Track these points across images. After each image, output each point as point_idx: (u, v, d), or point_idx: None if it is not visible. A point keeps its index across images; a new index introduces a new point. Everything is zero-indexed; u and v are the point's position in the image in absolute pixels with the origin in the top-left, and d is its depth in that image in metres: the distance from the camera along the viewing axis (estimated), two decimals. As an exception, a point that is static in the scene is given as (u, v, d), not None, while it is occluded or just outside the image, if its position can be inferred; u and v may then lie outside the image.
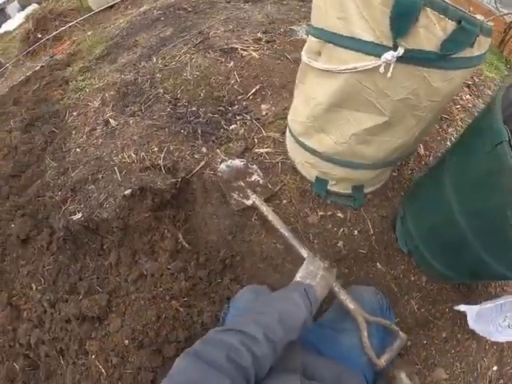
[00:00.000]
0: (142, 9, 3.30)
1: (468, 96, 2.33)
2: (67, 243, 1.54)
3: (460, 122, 2.09)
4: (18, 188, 1.87)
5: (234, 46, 2.06)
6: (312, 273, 0.96)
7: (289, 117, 1.45)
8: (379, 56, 0.84)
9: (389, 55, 0.82)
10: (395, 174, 1.64)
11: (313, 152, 1.33)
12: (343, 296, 1.00)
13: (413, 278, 1.47)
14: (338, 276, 1.03)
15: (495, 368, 1.43)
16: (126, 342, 1.19)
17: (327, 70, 1.00)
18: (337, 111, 1.10)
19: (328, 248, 1.38)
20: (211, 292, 1.25)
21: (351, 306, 0.98)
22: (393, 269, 1.45)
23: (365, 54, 0.88)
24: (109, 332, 1.25)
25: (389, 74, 0.86)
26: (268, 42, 2.11)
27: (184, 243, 1.30)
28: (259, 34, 2.17)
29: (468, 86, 2.41)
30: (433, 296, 1.45)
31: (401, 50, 0.81)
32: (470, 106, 2.26)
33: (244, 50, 2.03)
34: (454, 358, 1.41)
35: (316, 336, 0.96)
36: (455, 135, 1.99)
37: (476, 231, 0.98)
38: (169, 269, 1.26)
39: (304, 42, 2.16)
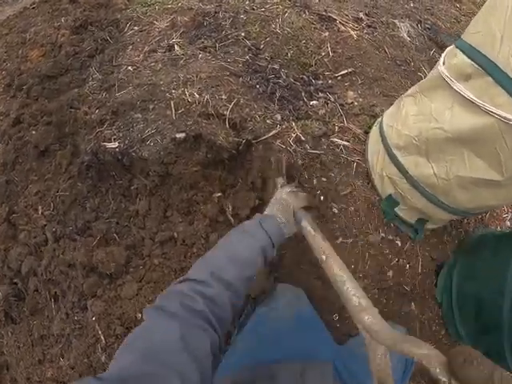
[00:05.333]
0: None
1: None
2: (90, 171, 1.33)
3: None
4: (51, 91, 1.64)
5: (332, 15, 1.81)
6: (272, 201, 0.90)
7: (385, 120, 1.24)
8: None
9: None
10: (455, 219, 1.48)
11: (402, 171, 1.15)
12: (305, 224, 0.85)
13: (434, 328, 1.38)
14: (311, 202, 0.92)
15: None
16: (139, 315, 1.00)
17: (471, 101, 0.85)
18: (457, 146, 0.96)
19: (377, 273, 1.21)
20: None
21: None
22: (423, 313, 1.36)
23: None
24: (119, 296, 1.06)
25: None
26: (369, 26, 1.86)
27: (229, 215, 1.10)
28: (361, 15, 1.91)
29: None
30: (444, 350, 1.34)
31: None
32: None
33: (343, 24, 1.78)
34: None
35: None
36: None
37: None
38: (205, 238, 1.07)
39: (405, 43, 1.96)
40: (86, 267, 1.09)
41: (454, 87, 0.90)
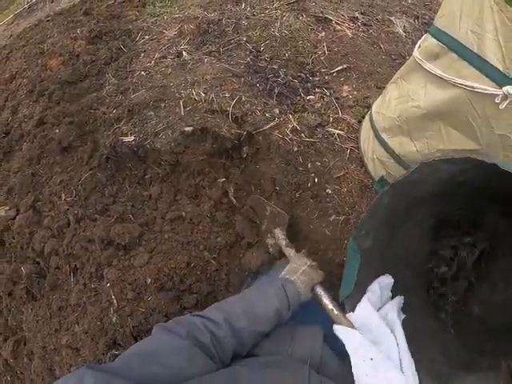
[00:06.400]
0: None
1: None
2: (109, 162, 1.48)
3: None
4: (72, 95, 1.81)
5: (328, 16, 1.93)
6: (294, 269, 0.95)
7: (374, 108, 1.35)
8: (500, 86, 0.79)
9: (511, 89, 0.76)
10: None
11: (390, 151, 1.24)
12: (326, 300, 0.91)
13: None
14: (326, 279, 0.97)
15: None
16: (149, 280, 1.14)
17: (440, 77, 0.93)
18: (433, 121, 1.03)
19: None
20: (246, 255, 1.20)
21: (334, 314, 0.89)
22: None
23: (487, 78, 0.82)
24: (132, 265, 1.20)
25: (502, 106, 0.81)
26: (364, 24, 1.97)
27: (232, 197, 1.23)
28: (357, 14, 2.02)
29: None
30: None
31: None
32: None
33: (338, 24, 1.90)
34: None
35: None
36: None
37: None
38: (209, 217, 1.20)
39: (401, 38, 2.06)
40: (104, 241, 1.24)
41: (425, 67, 0.98)
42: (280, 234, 1.15)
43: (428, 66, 0.98)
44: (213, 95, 1.45)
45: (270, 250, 1.18)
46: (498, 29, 0.77)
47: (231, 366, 0.66)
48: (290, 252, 1.08)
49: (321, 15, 1.92)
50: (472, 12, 0.82)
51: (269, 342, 0.77)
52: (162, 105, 1.50)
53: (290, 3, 1.99)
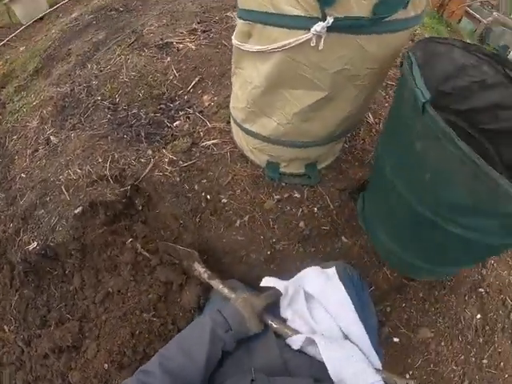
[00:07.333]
0: (73, 15, 3.13)
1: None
2: (29, 275, 1.48)
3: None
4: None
5: (169, 40, 1.99)
6: (232, 299, 0.90)
7: (230, 105, 1.41)
8: (309, 29, 0.81)
9: (318, 27, 0.79)
10: (347, 146, 1.65)
11: (259, 137, 1.31)
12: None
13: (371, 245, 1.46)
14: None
15: (479, 316, 1.48)
16: (106, 365, 1.16)
17: (259, 51, 0.97)
18: (275, 92, 1.08)
19: (290, 230, 1.37)
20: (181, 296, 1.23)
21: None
22: (359, 239, 1.46)
23: (295, 30, 0.84)
24: (88, 359, 1.21)
25: (321, 47, 0.83)
26: (204, 31, 2.05)
27: (144, 252, 1.26)
28: (194, 25, 2.10)
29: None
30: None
31: (330, 20, 0.78)
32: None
33: (180, 42, 1.96)
34: (436, 315, 1.46)
35: None
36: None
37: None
38: (133, 281, 1.23)
39: None
40: (54, 350, 1.25)
41: (245, 48, 1.02)
42: (200, 268, 1.18)
43: (246, 46, 1.01)
44: (88, 167, 1.47)
45: (202, 279, 1.21)
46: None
47: None
48: (215, 284, 1.11)
49: (161, 42, 1.98)
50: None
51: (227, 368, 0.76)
52: (48, 198, 1.50)
53: (130, 44, 2.03)
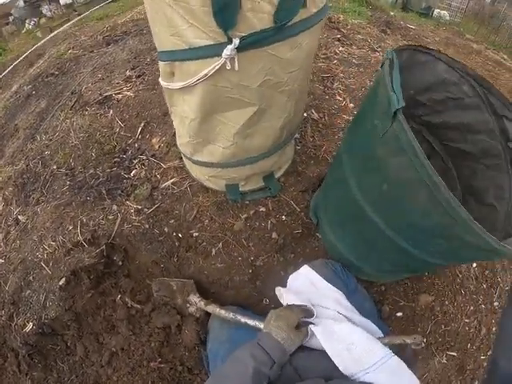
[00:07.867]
0: (13, 89, 3.15)
1: (341, 48, 2.49)
2: (34, 357, 1.52)
3: (342, 74, 2.23)
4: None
5: (107, 93, 2.05)
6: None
7: (177, 142, 1.49)
8: (221, 55, 0.86)
9: (227, 50, 0.84)
10: (299, 147, 1.74)
11: (210, 165, 1.37)
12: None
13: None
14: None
15: (474, 265, 1.52)
16: None
17: (184, 87, 1.02)
18: (210, 119, 1.14)
19: (265, 244, 1.45)
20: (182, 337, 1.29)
21: None
22: None
23: (209, 58, 0.90)
24: None
25: (236, 67, 0.89)
26: (138, 76, 2.13)
27: (135, 304, 1.32)
28: (128, 72, 2.18)
29: (338, 40, 2.57)
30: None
31: (236, 41, 0.83)
32: (345, 56, 2.42)
33: (118, 93, 2.03)
34: (431, 278, 1.48)
35: None
36: (342, 88, 2.13)
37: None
38: (133, 334, 1.29)
39: None
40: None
41: (172, 87, 1.07)
42: (195, 299, 1.26)
43: (173, 85, 1.06)
44: (61, 237, 1.52)
45: (197, 316, 1.28)
46: (184, 17, 0.83)
47: None
48: (213, 308, 1.18)
49: (100, 97, 2.04)
50: (162, 20, 0.89)
51: None
52: (31, 277, 1.54)
53: (72, 107, 2.08)
